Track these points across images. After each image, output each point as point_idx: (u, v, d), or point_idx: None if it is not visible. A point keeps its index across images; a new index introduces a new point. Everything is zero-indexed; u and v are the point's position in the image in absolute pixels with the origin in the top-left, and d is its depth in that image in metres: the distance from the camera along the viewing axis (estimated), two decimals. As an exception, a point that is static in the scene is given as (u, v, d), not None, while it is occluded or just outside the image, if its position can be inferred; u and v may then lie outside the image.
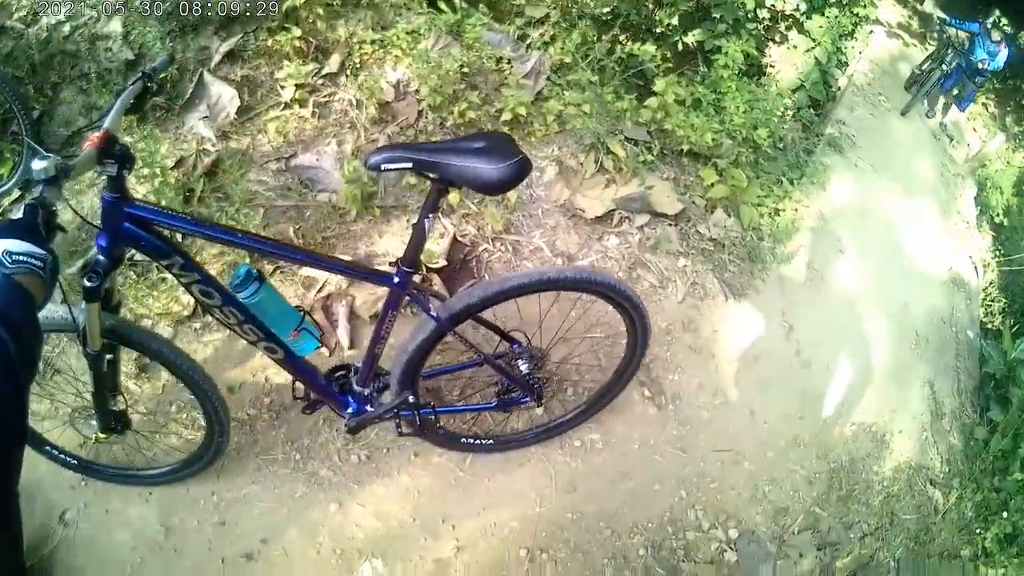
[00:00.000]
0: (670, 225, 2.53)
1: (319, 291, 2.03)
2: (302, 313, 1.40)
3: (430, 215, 1.20)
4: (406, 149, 1.13)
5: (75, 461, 1.66)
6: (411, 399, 1.51)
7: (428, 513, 1.85)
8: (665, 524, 2.03)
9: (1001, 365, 3.05)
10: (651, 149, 2.59)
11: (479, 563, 1.85)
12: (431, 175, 1.14)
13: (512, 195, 2.27)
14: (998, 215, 4.78)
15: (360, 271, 1.36)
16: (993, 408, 2.92)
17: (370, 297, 2.00)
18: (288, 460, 1.89)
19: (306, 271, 2.05)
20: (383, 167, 1.12)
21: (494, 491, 1.92)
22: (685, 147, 2.62)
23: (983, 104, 6.37)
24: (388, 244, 2.13)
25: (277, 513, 1.79)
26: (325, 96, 2.35)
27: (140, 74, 1.17)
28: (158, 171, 2.13)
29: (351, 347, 1.99)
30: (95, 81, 2.53)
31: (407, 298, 1.30)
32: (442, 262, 2.06)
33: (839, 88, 3.99)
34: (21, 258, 0.79)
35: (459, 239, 2.15)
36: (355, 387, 1.50)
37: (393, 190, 2.23)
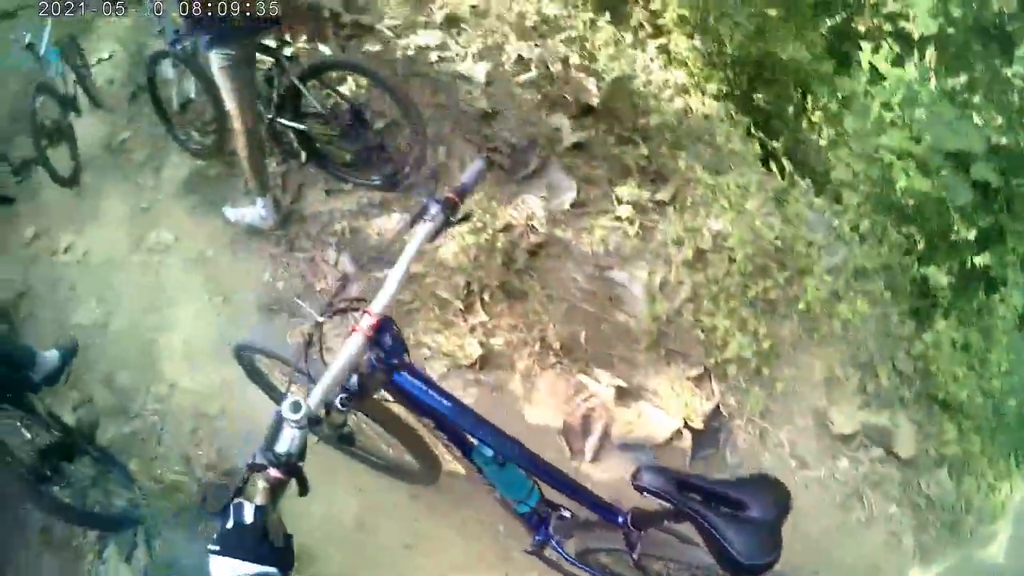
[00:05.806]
0: (898, 468, 2.57)
1: (586, 399, 2.33)
2: (534, 487, 1.45)
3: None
4: (675, 484, 1.12)
5: None
6: None
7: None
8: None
9: None
10: (911, 386, 2.62)
11: None
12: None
13: (780, 384, 2.44)
14: None
15: (590, 500, 1.39)
16: None
17: (626, 428, 2.26)
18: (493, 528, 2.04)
19: (581, 377, 2.35)
20: (644, 493, 1.13)
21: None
22: (941, 395, 2.63)
23: None
24: (659, 384, 2.37)
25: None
26: (651, 221, 2.60)
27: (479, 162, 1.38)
28: (488, 228, 2.48)
29: (592, 460, 2.26)
30: (455, 120, 2.86)
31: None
32: (699, 425, 2.28)
33: None
34: None
35: (721, 409, 2.36)
36: (550, 529, 1.52)
37: (685, 336, 2.45)
